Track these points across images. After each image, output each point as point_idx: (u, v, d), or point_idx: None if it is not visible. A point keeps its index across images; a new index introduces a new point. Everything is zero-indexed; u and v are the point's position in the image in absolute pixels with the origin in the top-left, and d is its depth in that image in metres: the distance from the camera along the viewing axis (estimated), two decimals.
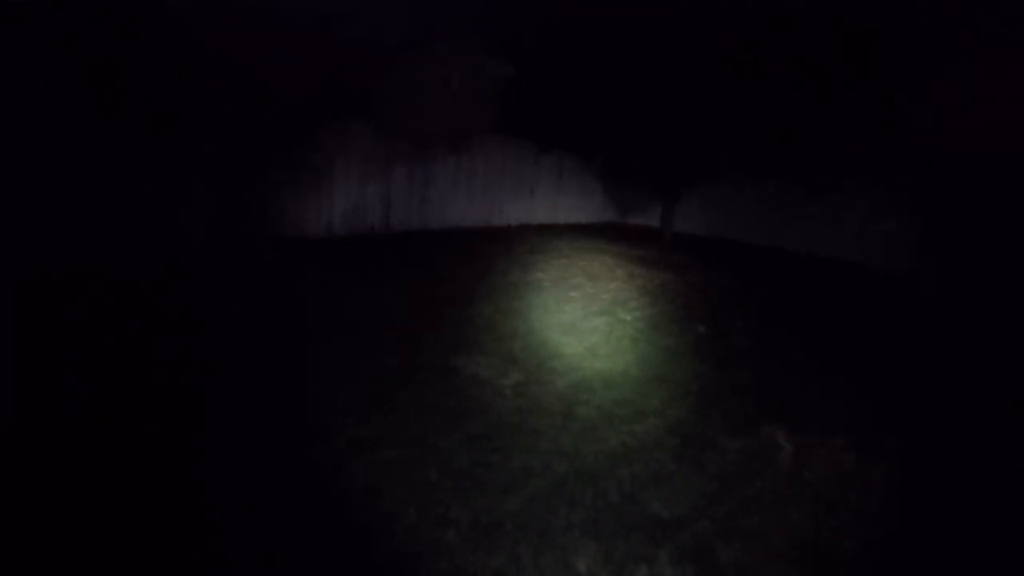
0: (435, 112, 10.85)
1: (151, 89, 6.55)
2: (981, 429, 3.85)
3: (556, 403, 3.68)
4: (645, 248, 10.12)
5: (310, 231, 8.63)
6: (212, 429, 3.06)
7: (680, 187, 11.44)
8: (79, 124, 6.14)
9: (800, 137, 8.94)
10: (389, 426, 3.23)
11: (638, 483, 2.86)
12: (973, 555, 2.54)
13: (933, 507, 2.90)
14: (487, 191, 11.31)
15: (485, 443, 3.13)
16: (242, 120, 7.44)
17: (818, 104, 8.28)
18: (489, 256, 8.40)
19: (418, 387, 3.77)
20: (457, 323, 5.15)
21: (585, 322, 5.48)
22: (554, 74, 10.59)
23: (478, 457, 2.99)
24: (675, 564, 2.31)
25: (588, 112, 10.69)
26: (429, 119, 10.72)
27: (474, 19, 9.95)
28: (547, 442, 3.18)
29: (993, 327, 6.37)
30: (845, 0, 7.60)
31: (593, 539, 2.42)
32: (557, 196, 12.70)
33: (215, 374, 3.73)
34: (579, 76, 10.31)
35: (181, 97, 6.86)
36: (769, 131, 9.07)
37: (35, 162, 5.89)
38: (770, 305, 6.75)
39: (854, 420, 3.78)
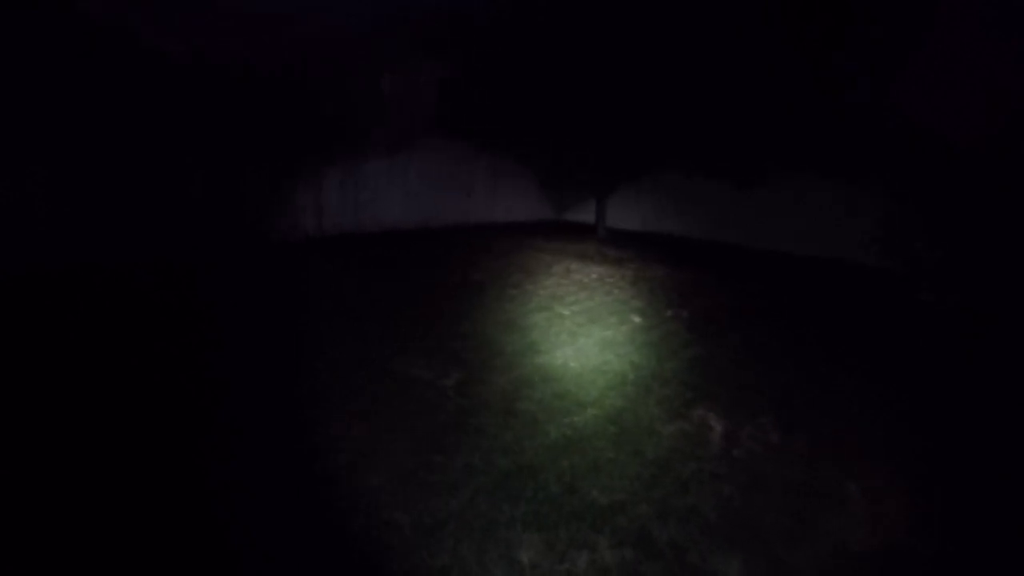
0: (370, 113, 10.65)
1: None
2: (899, 402, 4.16)
3: (498, 400, 3.70)
4: (582, 244, 10.32)
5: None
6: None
7: (614, 183, 11.73)
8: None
9: (730, 132, 9.34)
10: (335, 432, 3.15)
11: (578, 473, 2.91)
12: (891, 517, 2.74)
13: (855, 476, 3.11)
14: (424, 192, 11.22)
15: (429, 444, 3.11)
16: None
17: (753, 96, 8.61)
18: (426, 258, 8.32)
19: (360, 391, 3.70)
20: (397, 326, 5.08)
21: (524, 319, 5.53)
22: (489, 74, 10.63)
23: (422, 459, 2.96)
24: (614, 548, 2.38)
25: (522, 111, 10.78)
26: (364, 119, 10.50)
27: (408, 19, 9.85)
28: (489, 439, 3.20)
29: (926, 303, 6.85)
30: None
31: (535, 531, 2.45)
32: (494, 196, 12.75)
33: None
34: (512, 76, 10.40)
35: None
36: (701, 126, 9.43)
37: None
38: (704, 295, 7.02)
39: (782, 400, 4.00)
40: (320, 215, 9.45)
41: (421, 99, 10.88)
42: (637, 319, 5.73)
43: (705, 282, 7.66)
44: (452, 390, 3.82)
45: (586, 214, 13.47)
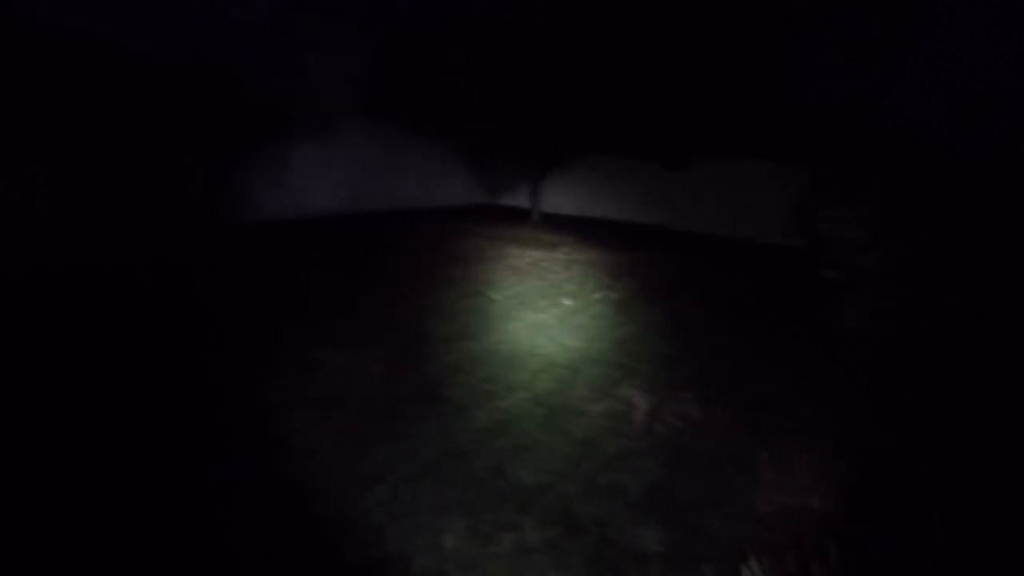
0: (295, 96, 10.16)
1: None
2: (810, 375, 4.42)
3: (425, 387, 3.66)
4: (516, 228, 10.34)
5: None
6: None
7: (547, 167, 11.80)
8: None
9: (660, 116, 9.55)
10: (256, 423, 3.02)
11: (506, 456, 2.93)
12: (796, 479, 2.91)
13: (767, 445, 3.28)
14: (352, 177, 10.87)
15: (353, 434, 3.03)
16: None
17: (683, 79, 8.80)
18: (355, 245, 8.10)
19: (280, 380, 3.56)
20: (322, 314, 4.91)
21: (456, 304, 5.48)
22: (419, 57, 10.37)
23: (346, 449, 2.88)
24: (539, 528, 2.41)
25: (454, 94, 10.61)
26: (288, 103, 10.01)
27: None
28: (417, 427, 3.15)
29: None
30: None
31: (460, 516, 2.44)
32: (427, 180, 12.54)
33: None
34: (442, 58, 10.19)
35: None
36: (632, 111, 9.59)
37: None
38: (634, 276, 7.20)
39: (704, 375, 4.17)
40: (244, 204, 8.98)
41: (349, 82, 10.49)
42: (568, 302, 5.81)
43: (635, 264, 7.86)
44: (379, 378, 3.74)
45: (520, 198, 13.51)
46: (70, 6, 6.43)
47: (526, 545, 2.31)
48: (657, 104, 9.39)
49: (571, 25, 8.92)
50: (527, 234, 9.82)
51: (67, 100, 6.48)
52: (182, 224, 8.09)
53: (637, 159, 11.38)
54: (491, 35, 9.52)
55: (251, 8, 8.34)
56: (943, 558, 2.31)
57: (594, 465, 2.92)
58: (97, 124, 6.85)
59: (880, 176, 3.71)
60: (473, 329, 4.82)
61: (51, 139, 6.43)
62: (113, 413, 3.13)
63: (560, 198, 12.98)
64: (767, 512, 2.61)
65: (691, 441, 3.23)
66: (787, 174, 9.37)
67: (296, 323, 4.66)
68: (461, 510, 2.48)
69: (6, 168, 6.01)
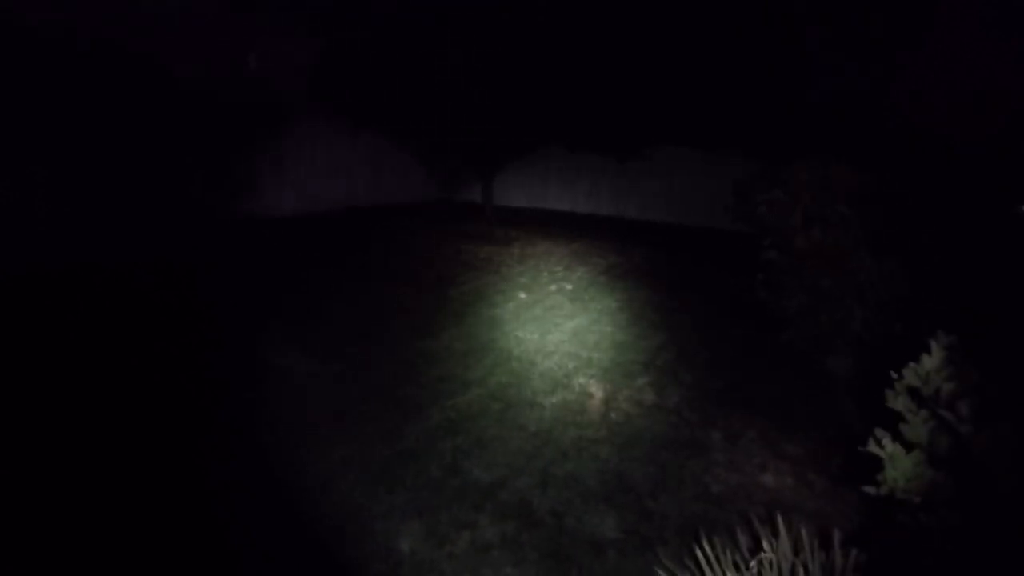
0: (237, 94, 9.76)
1: None
2: (751, 355, 4.54)
3: (379, 388, 3.58)
4: (470, 224, 10.27)
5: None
6: None
7: (499, 162, 11.74)
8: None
9: (612, 110, 9.64)
10: (198, 433, 2.88)
11: (460, 454, 2.89)
12: (744, 457, 2.99)
13: (717, 426, 3.36)
14: (299, 176, 10.56)
15: (304, 439, 2.94)
16: None
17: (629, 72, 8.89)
18: (305, 245, 7.88)
19: (233, 387, 3.41)
20: (272, 316, 4.75)
21: (410, 302, 5.39)
22: (365, 51, 10.13)
23: (295, 455, 2.79)
24: (496, 524, 2.39)
25: (403, 90, 10.42)
26: (230, 101, 9.61)
27: None
28: (369, 428, 3.08)
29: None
30: None
31: (415, 518, 2.39)
32: (378, 177, 12.31)
33: None
34: (389, 53, 9.99)
35: None
36: (584, 105, 9.64)
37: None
38: (587, 266, 7.25)
39: (656, 361, 4.23)
40: (189, 206, 8.60)
41: (294, 78, 10.18)
42: (523, 295, 5.80)
43: (587, 254, 7.93)
44: (331, 379, 3.64)
45: (473, 193, 13.42)
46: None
47: (483, 542, 2.29)
48: (611, 97, 9.47)
49: (535, 19, 8.89)
50: (481, 229, 9.77)
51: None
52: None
53: (588, 151, 11.47)
54: (445, 31, 9.39)
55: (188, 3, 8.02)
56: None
57: (549, 457, 2.92)
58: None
59: (812, 165, 3.82)
60: (428, 326, 4.75)
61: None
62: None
63: (513, 192, 12.97)
64: (719, 492, 2.67)
65: (645, 426, 3.27)
66: (729, 163, 9.63)
67: (243, 324, 4.48)
68: (415, 512, 2.43)
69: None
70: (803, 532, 2.03)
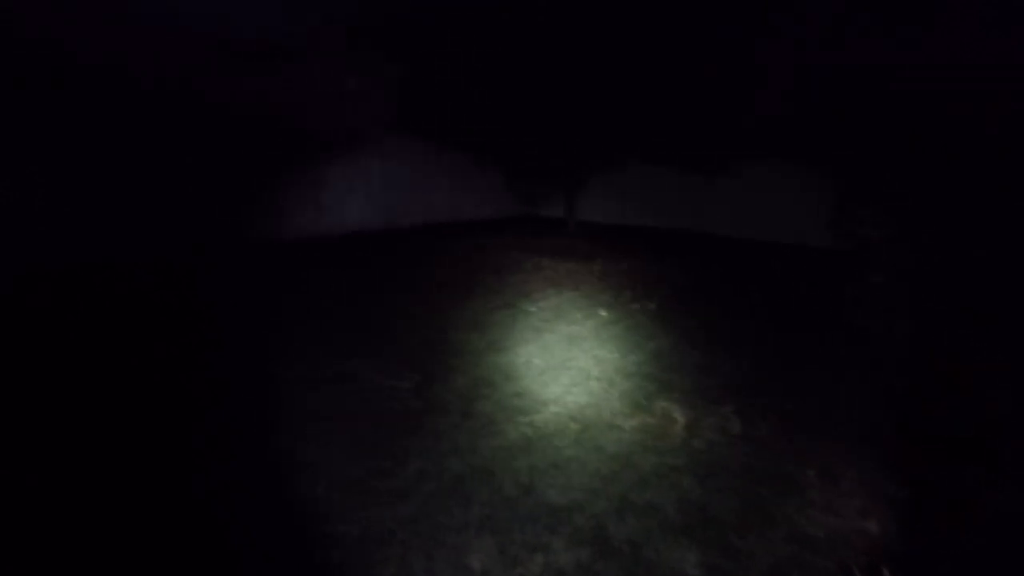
0: (330, 114, 10.42)
1: None
2: (855, 382, 4.18)
3: (455, 402, 3.62)
4: (551, 239, 10.27)
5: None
6: None
7: (583, 176, 11.71)
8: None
9: (699, 124, 9.36)
10: (283, 442, 3.03)
11: (536, 473, 2.85)
12: (845, 497, 2.73)
13: (813, 463, 3.10)
14: (386, 193, 11.05)
15: (380, 450, 3.01)
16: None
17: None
18: (389, 260, 8.20)
19: (316, 395, 3.58)
20: (352, 327, 4.96)
21: (488, 317, 5.45)
22: (451, 70, 10.50)
23: (372, 465, 2.87)
24: (570, 549, 2.32)
25: (487, 106, 10.68)
26: (324, 121, 10.28)
27: (366, 17, 9.68)
28: (444, 443, 3.11)
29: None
30: None
31: (488, 535, 2.37)
32: (460, 193, 12.64)
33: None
34: (475, 71, 10.28)
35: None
36: (670, 117, 9.44)
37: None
38: (670, 285, 7.03)
39: (744, 387, 3.99)
40: (280, 221, 9.24)
41: (381, 99, 10.70)
42: (603, 313, 5.69)
43: (672, 272, 7.67)
44: (408, 393, 3.72)
45: (555, 208, 13.44)
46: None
47: (557, 567, 2.23)
48: (696, 110, 9.20)
49: (606, 35, 8.85)
50: (563, 244, 9.74)
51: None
52: (212, 242, 8.38)
53: (675, 166, 11.17)
54: (520, 45, 9.55)
55: (290, 33, 8.62)
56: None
57: (628, 483, 2.81)
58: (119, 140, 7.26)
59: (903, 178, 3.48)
60: (506, 342, 4.76)
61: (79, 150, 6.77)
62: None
63: (596, 207, 12.86)
64: (814, 535, 2.45)
65: (731, 457, 3.07)
66: (819, 176, 9.00)
67: (329, 338, 4.71)
68: (488, 529, 2.41)
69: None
70: None
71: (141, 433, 3.08)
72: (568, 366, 4.29)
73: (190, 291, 6.13)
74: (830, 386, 4.05)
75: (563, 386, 3.93)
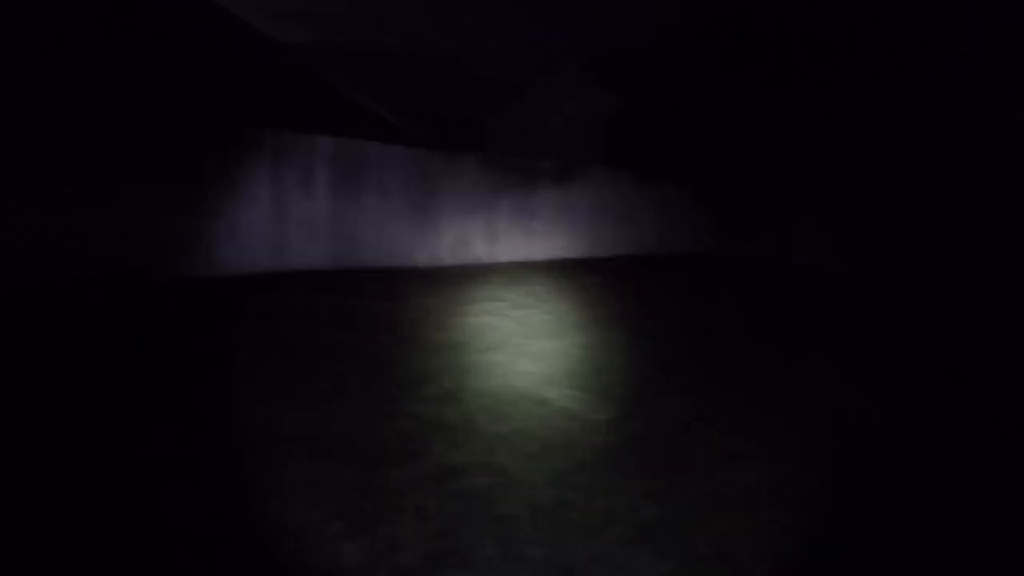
0: (542, 144, 10.92)
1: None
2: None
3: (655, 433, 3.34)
4: (750, 282, 9.35)
5: (420, 261, 8.96)
6: None
7: (800, 211, 10.53)
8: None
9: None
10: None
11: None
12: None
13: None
14: (591, 223, 11.16)
15: (574, 476, 2.88)
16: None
17: None
18: (589, 287, 8.17)
19: (523, 420, 3.61)
20: (548, 355, 4.96)
21: (681, 360, 5.05)
22: (662, 101, 10.34)
23: (561, 495, 2.74)
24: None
25: (695, 139, 10.26)
26: (536, 151, 10.80)
27: (581, 51, 10.04)
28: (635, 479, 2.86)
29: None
30: None
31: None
32: (661, 227, 12.24)
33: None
34: (688, 102, 9.97)
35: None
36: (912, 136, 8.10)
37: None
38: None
39: None
40: (493, 244, 9.85)
41: (590, 130, 10.91)
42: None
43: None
44: (604, 424, 3.55)
45: (761, 246, 12.29)
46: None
47: None
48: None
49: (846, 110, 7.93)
50: (761, 287, 8.79)
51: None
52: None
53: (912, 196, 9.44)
54: (729, 79, 9.01)
55: (509, 68, 9.27)
56: None
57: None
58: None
59: None
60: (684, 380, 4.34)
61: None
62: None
63: (818, 244, 11.43)
64: None
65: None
66: None
67: (527, 363, 4.77)
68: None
69: None
70: None
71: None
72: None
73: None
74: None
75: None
